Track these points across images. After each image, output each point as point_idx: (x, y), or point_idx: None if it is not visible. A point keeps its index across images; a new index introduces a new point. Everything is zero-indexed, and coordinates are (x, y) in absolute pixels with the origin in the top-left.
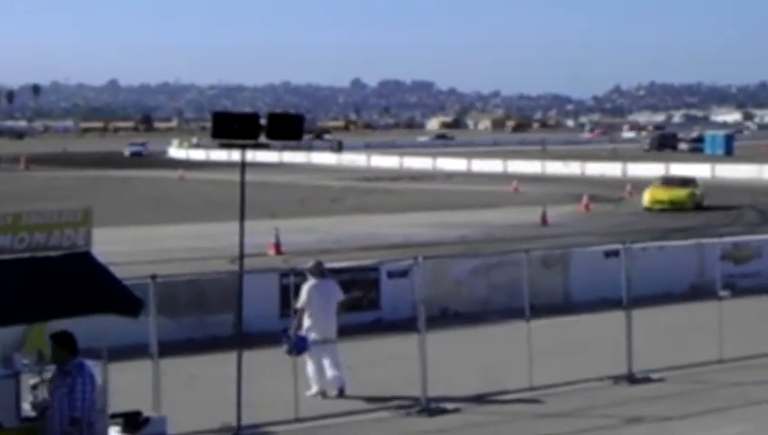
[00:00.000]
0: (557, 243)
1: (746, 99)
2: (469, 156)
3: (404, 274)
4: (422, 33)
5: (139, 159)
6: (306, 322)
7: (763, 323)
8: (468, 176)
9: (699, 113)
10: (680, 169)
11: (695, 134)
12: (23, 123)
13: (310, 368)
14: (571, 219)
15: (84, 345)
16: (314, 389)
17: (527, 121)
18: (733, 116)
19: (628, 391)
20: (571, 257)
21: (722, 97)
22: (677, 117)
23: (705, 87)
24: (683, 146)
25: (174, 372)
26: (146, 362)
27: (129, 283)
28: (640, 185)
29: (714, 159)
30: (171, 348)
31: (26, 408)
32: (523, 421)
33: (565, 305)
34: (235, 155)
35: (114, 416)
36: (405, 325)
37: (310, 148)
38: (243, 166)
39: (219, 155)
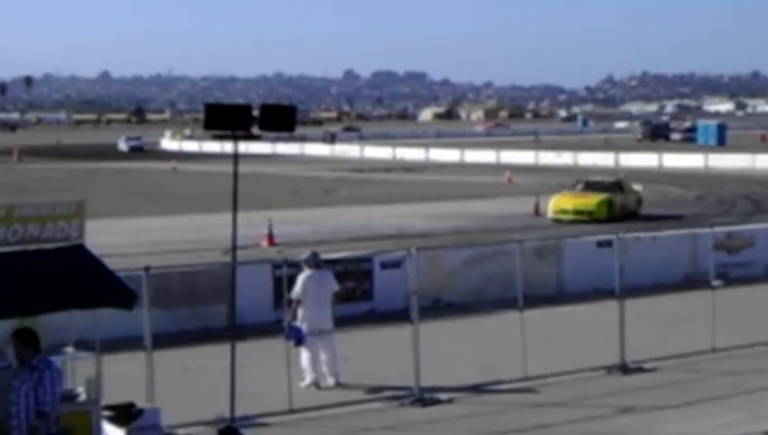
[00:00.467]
0: (550, 233)
1: (739, 88)
2: (462, 146)
3: (397, 264)
4: (415, 24)
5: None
6: (301, 313)
7: (756, 313)
8: (461, 166)
9: (692, 103)
10: (673, 159)
11: (687, 124)
12: (15, 115)
13: (304, 358)
14: None
15: (78, 337)
16: (308, 379)
17: (519, 111)
18: (725, 106)
19: (621, 380)
20: (564, 248)
21: (714, 87)
22: (670, 107)
23: (698, 77)
24: (675, 136)
25: (167, 363)
26: (139, 354)
27: (123, 275)
28: (634, 175)
29: (706, 148)
30: (165, 340)
31: None
32: (516, 411)
33: (558, 296)
34: (227, 146)
35: (107, 408)
36: (398, 316)
37: (303, 139)
38: (235, 157)
39: (212, 146)
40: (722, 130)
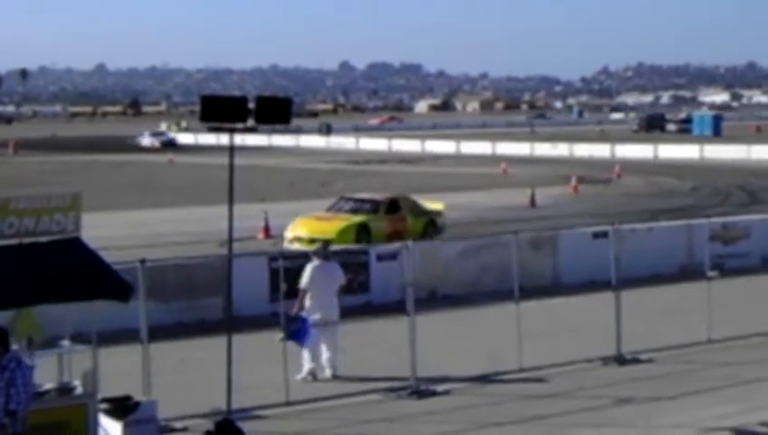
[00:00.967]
0: (546, 224)
1: (734, 79)
2: (458, 138)
3: (393, 256)
4: (410, 15)
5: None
6: (307, 303)
7: (752, 304)
8: (457, 158)
9: (687, 94)
10: (669, 150)
11: (683, 115)
12: (11, 108)
13: (306, 350)
14: (560, 201)
15: (74, 330)
16: (306, 368)
17: (515, 103)
18: (721, 97)
19: (617, 372)
20: (559, 239)
21: (710, 78)
22: (665, 98)
23: (693, 68)
24: (671, 127)
25: (163, 356)
26: (135, 347)
27: (119, 267)
28: (629, 166)
29: (702, 139)
30: (161, 332)
31: None
32: (512, 403)
33: (554, 287)
34: (223, 138)
35: (104, 401)
36: (394, 308)
37: (299, 131)
38: (231, 149)
39: (208, 139)
40: (717, 120)
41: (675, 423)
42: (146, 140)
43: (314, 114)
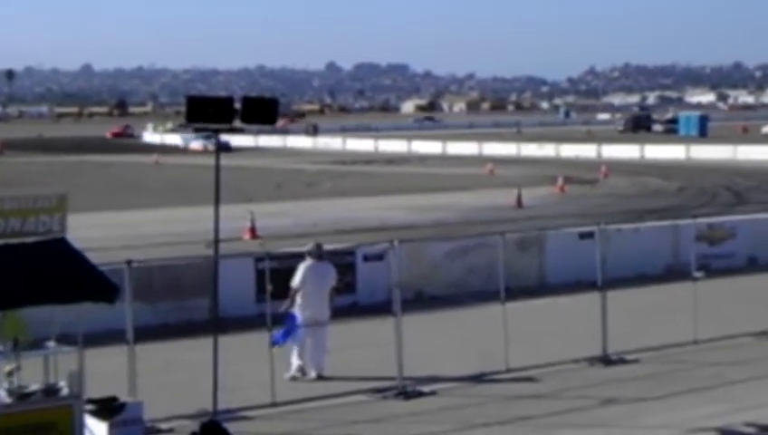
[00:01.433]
0: (532, 225)
1: (720, 79)
2: (444, 138)
3: (380, 257)
4: (397, 15)
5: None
6: (299, 301)
7: (738, 304)
8: (444, 158)
9: (674, 94)
10: (655, 151)
11: (669, 115)
12: None
13: (295, 349)
14: (547, 201)
15: (60, 331)
16: (295, 365)
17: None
18: (707, 97)
19: (603, 372)
20: (546, 239)
21: (696, 78)
22: (652, 98)
23: (680, 68)
24: (657, 127)
25: (150, 357)
26: (121, 348)
27: (105, 268)
28: (615, 166)
29: (688, 140)
30: (147, 333)
31: (2, 395)
32: (498, 403)
33: (540, 287)
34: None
35: (90, 401)
36: (381, 309)
37: (286, 131)
38: (217, 150)
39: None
40: (703, 121)
41: (661, 423)
42: (195, 144)
43: (301, 115)
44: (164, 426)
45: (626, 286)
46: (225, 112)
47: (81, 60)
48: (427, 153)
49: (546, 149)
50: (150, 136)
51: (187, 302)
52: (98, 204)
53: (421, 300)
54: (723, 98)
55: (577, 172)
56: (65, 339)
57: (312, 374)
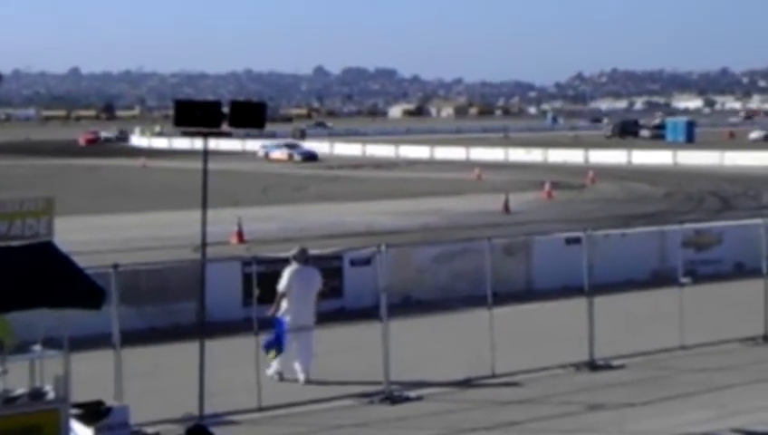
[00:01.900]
0: (519, 230)
1: (707, 85)
2: (432, 143)
3: (367, 262)
4: (385, 20)
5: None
6: (284, 306)
7: (725, 310)
8: (431, 163)
9: (661, 100)
10: (642, 156)
11: (657, 121)
12: None
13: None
14: (534, 206)
15: (46, 334)
16: (274, 368)
17: (489, 108)
18: (694, 102)
19: (589, 378)
20: (533, 245)
21: (683, 84)
22: (639, 104)
23: (667, 74)
24: (645, 133)
25: (136, 361)
26: (108, 352)
27: (91, 272)
28: (603, 172)
29: (675, 145)
30: (133, 337)
31: None
32: (484, 409)
33: (527, 293)
34: (197, 143)
35: (76, 406)
36: (368, 313)
37: (273, 135)
38: (205, 154)
39: (182, 143)
40: (690, 126)
41: (647, 429)
42: (276, 153)
43: (288, 119)
44: (150, 430)
45: (613, 292)
46: (213, 116)
47: (68, 63)
48: (414, 158)
49: (534, 155)
50: (138, 140)
51: (174, 306)
52: (85, 207)
53: (408, 305)
54: (710, 104)
55: (564, 177)
56: (51, 343)
57: (300, 379)
